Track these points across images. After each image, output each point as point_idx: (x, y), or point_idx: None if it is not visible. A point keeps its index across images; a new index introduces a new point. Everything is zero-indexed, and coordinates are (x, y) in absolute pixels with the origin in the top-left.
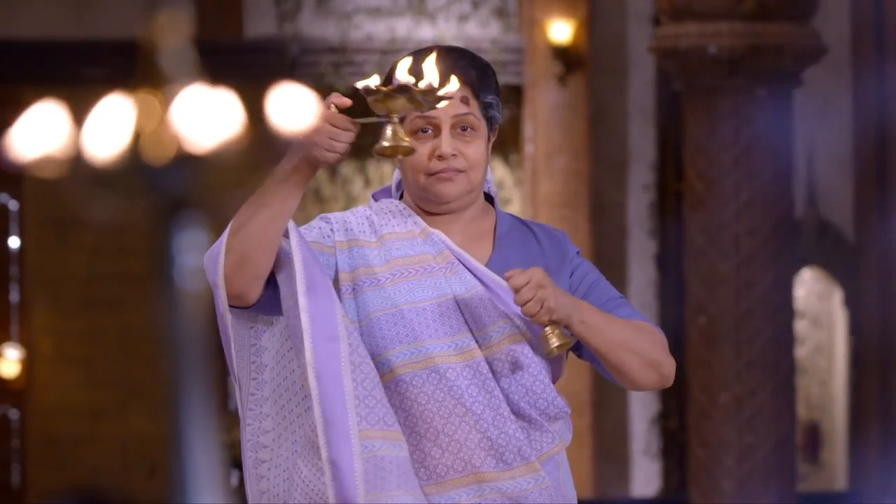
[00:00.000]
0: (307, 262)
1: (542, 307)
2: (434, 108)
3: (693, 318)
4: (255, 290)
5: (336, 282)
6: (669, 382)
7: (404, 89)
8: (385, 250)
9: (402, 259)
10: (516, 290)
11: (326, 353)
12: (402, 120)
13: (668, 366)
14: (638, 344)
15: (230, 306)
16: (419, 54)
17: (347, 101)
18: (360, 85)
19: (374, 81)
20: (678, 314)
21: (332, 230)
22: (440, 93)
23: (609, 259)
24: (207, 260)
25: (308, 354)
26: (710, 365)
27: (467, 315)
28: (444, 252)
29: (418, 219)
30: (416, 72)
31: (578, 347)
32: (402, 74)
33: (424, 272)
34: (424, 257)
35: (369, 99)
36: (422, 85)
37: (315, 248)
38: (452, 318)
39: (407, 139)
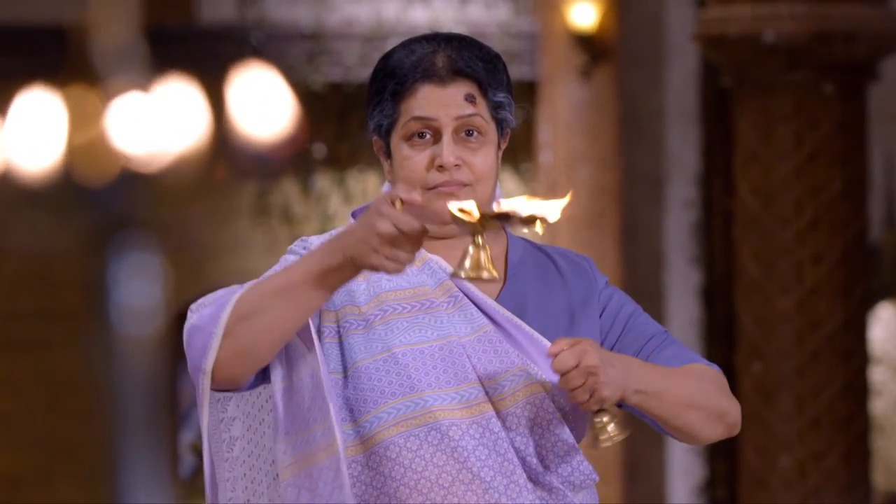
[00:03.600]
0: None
1: (591, 396)
2: (528, 230)
3: (746, 364)
4: (249, 379)
5: (318, 325)
6: (737, 430)
7: (505, 217)
8: (373, 282)
9: (392, 293)
10: (560, 373)
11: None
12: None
13: (735, 413)
14: (702, 398)
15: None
16: (412, 44)
17: (417, 198)
18: (454, 206)
19: (470, 205)
20: (727, 359)
21: None
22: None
23: (643, 292)
24: (192, 337)
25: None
26: (766, 422)
27: (474, 360)
28: (444, 283)
29: None
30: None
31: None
32: (510, 201)
33: (421, 308)
34: (421, 290)
35: (458, 215)
36: (534, 211)
37: None
38: (457, 364)
39: (487, 271)
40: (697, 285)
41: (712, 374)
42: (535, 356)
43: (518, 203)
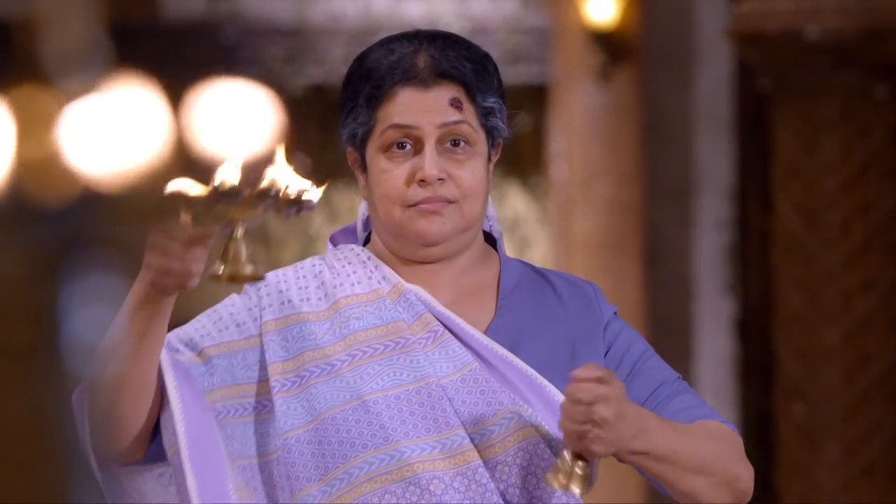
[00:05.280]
0: (189, 416)
1: (580, 438)
2: (293, 214)
3: (786, 406)
4: (137, 451)
5: (263, 382)
6: (747, 499)
7: (227, 194)
8: (340, 322)
9: (363, 333)
10: (572, 400)
11: None
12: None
13: (747, 479)
14: (713, 463)
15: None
16: (391, 43)
17: (195, 193)
18: (169, 189)
19: (180, 185)
20: (765, 401)
21: (258, 306)
22: (296, 195)
23: (668, 324)
24: (74, 407)
25: None
26: (809, 471)
27: (458, 404)
28: (423, 317)
29: (388, 271)
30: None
31: None
32: (226, 171)
33: (396, 347)
34: (395, 326)
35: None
36: (297, 188)
37: (220, 351)
38: (437, 408)
39: (248, 265)
40: (731, 316)
41: (728, 435)
42: (529, 395)
43: (280, 176)
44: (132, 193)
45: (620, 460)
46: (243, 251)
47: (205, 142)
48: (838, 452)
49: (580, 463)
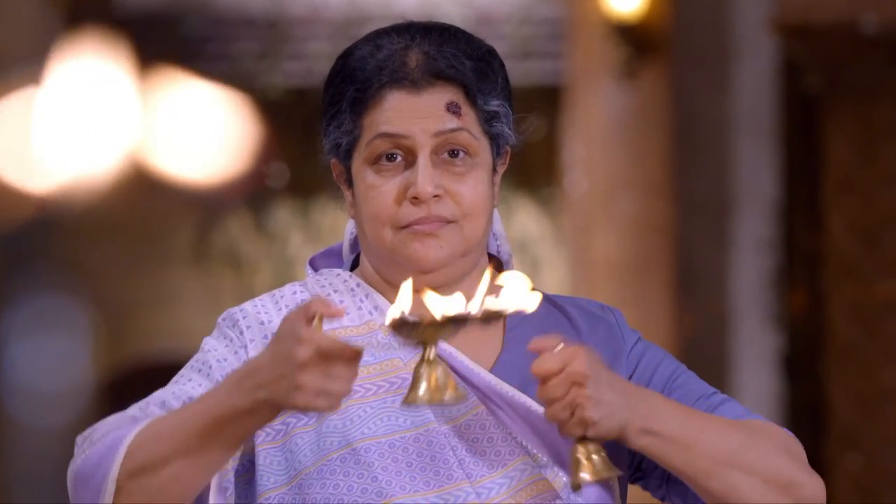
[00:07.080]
0: None
1: (572, 415)
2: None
3: (839, 455)
4: None
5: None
6: None
7: (457, 320)
8: None
9: None
10: (542, 380)
11: None
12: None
13: (812, 487)
14: (753, 456)
15: None
16: (378, 38)
17: (340, 311)
18: (388, 319)
19: (404, 306)
20: (814, 449)
21: (243, 346)
22: (496, 311)
23: (703, 359)
24: (78, 488)
25: None
26: None
27: (462, 453)
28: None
29: (381, 300)
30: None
31: (648, 476)
32: (452, 302)
33: (391, 388)
34: (391, 364)
35: (398, 331)
36: (491, 305)
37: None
38: (437, 459)
39: (448, 390)
40: (775, 351)
41: (777, 433)
42: (542, 442)
43: (504, 297)
44: (81, 213)
45: (635, 450)
46: (442, 375)
47: (166, 150)
48: None
49: (590, 446)
